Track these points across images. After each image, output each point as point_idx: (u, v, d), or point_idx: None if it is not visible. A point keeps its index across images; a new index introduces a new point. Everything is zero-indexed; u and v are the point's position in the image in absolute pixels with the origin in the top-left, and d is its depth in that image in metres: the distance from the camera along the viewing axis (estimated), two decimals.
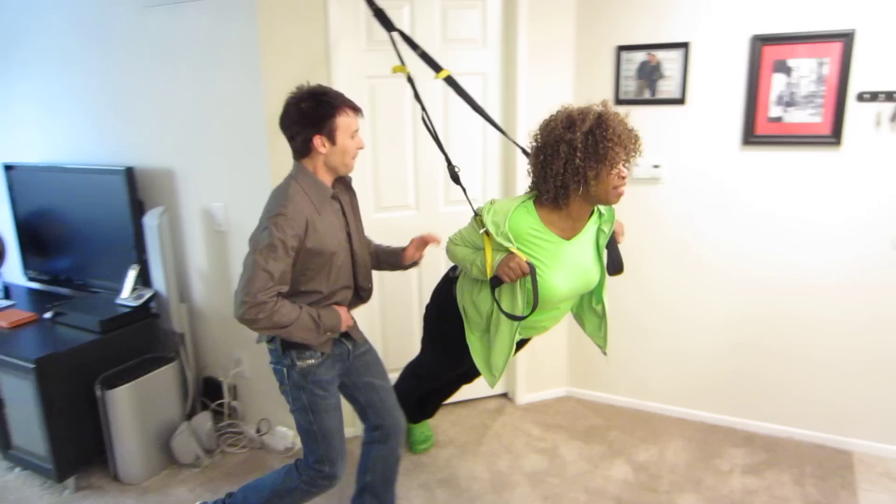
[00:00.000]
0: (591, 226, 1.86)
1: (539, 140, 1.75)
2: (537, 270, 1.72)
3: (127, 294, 2.51)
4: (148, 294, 2.50)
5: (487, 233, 1.74)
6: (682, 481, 2.35)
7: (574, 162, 1.65)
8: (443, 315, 2.04)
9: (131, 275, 2.50)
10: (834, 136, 2.24)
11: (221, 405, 2.70)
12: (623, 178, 1.69)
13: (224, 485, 2.36)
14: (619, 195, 1.71)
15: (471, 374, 2.28)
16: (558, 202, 1.74)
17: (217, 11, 2.28)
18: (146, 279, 2.53)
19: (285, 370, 1.78)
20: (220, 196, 2.49)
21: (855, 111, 2.21)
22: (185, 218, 2.61)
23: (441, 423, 2.75)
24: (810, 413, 2.53)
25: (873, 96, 2.17)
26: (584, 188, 1.68)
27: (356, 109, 1.72)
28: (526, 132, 2.51)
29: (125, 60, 2.57)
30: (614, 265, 1.93)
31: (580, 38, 2.56)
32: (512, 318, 1.79)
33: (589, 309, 2.04)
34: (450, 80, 2.06)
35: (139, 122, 2.61)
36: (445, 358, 2.14)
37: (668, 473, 2.39)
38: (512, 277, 1.72)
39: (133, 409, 2.34)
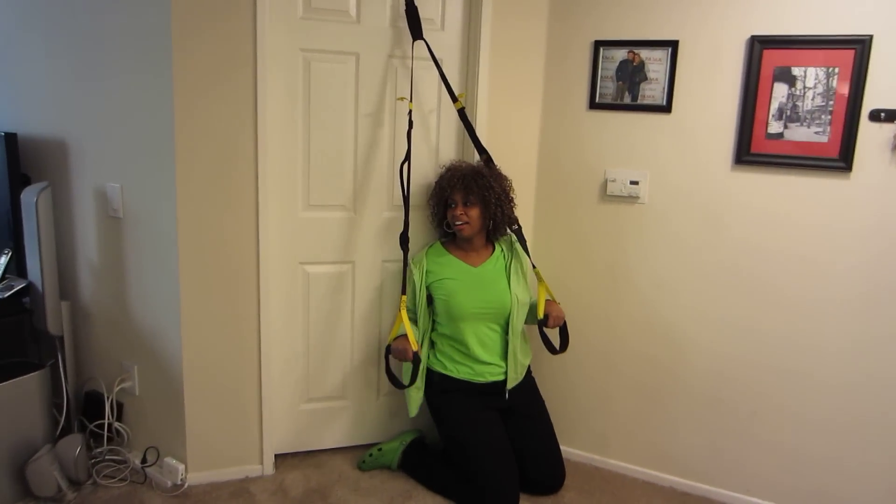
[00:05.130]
0: (499, 258, 2.20)
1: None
2: (447, 286, 2.13)
3: None
4: (19, 285, 2.09)
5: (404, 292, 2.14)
6: None
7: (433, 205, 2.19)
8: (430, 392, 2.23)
9: (2, 261, 2.10)
10: (842, 159, 1.90)
11: (102, 426, 2.26)
12: (458, 215, 2.08)
13: None
14: (460, 230, 2.11)
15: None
16: (454, 238, 2.19)
17: None
18: (22, 268, 2.13)
19: None
20: (118, 176, 2.11)
21: (868, 132, 1.87)
22: (77, 199, 2.22)
23: (362, 478, 2.32)
24: (802, 485, 2.12)
25: (890, 116, 1.83)
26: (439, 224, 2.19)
27: None
28: (486, 132, 2.22)
29: (11, 12, 2.22)
30: (564, 344, 2.19)
31: (552, 28, 2.24)
32: (399, 386, 2.11)
33: (514, 339, 2.17)
34: (461, 113, 2.16)
35: (27, 84, 2.25)
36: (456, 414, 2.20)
37: None
38: (397, 357, 2.03)
39: None
